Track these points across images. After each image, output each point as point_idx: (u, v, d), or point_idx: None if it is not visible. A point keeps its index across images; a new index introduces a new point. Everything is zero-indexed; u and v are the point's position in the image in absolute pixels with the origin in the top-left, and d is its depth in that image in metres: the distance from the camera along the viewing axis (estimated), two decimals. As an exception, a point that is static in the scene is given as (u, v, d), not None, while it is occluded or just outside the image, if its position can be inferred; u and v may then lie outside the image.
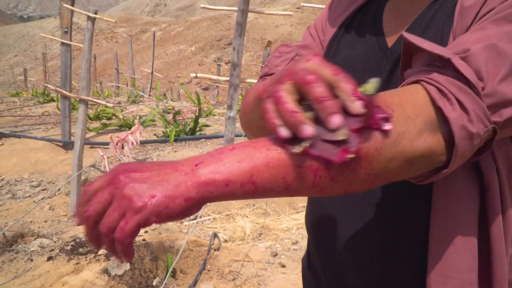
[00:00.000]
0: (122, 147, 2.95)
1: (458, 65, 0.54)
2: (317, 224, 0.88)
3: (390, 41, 0.78)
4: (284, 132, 0.46)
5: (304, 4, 5.67)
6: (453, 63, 0.54)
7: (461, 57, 0.55)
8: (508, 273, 0.68)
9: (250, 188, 0.47)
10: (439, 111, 0.53)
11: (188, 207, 0.46)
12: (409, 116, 0.51)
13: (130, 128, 4.44)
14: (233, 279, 2.96)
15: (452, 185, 0.65)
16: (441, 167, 0.56)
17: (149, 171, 0.47)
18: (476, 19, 0.63)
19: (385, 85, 0.76)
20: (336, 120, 0.44)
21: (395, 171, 0.52)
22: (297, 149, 0.46)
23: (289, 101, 0.45)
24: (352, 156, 0.45)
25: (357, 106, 0.45)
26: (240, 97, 9.47)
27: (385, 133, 0.48)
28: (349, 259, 0.80)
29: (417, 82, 0.56)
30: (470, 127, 0.52)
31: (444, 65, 0.55)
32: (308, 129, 0.44)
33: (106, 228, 0.46)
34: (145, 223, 0.45)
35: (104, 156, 2.83)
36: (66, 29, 5.50)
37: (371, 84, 0.48)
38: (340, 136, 0.45)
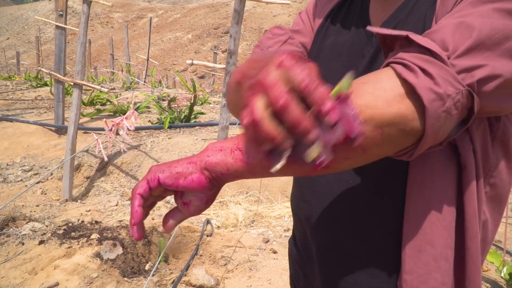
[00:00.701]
0: (117, 132, 2.94)
1: (418, 40, 0.57)
2: (298, 203, 0.91)
3: (376, 26, 0.80)
4: (266, 147, 0.50)
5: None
6: (412, 39, 0.57)
7: (427, 33, 0.59)
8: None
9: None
10: (404, 82, 0.55)
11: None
12: (378, 92, 0.54)
13: (124, 114, 4.43)
14: (225, 264, 2.98)
15: (428, 162, 0.67)
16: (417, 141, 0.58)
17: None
18: (455, 4, 0.65)
19: (368, 68, 0.78)
20: (311, 136, 0.47)
21: (370, 142, 0.54)
22: (280, 165, 0.50)
23: (267, 122, 0.47)
24: (325, 162, 0.48)
25: (330, 120, 0.46)
26: (235, 85, 9.47)
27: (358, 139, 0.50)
28: (325, 235, 0.82)
29: (387, 65, 0.59)
30: (436, 88, 0.54)
31: (409, 45, 0.58)
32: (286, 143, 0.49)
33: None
34: None
35: (99, 140, 2.82)
36: (61, 12, 5.43)
37: (346, 81, 0.48)
38: (314, 153, 0.47)
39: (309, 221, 0.85)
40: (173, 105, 7.06)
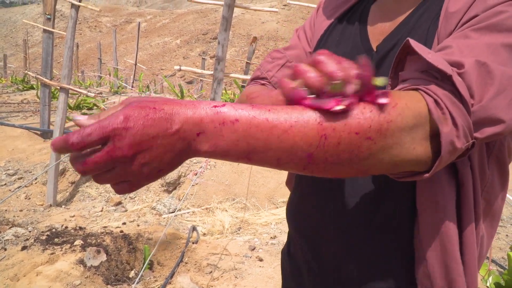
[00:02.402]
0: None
1: (457, 83, 0.57)
2: (299, 212, 0.90)
3: (375, 40, 0.80)
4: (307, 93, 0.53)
5: (290, 2, 5.68)
6: (453, 81, 0.57)
7: (457, 73, 0.58)
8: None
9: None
10: (433, 123, 0.56)
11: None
12: (407, 125, 0.55)
13: (111, 119, 4.37)
14: (210, 272, 2.96)
15: (436, 180, 0.68)
16: (422, 171, 0.60)
17: (163, 141, 0.50)
18: (459, 25, 0.66)
19: None
20: (338, 74, 0.52)
21: (380, 163, 0.56)
22: (341, 106, 0.53)
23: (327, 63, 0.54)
24: (342, 107, 0.52)
25: (352, 72, 0.52)
26: (224, 91, 9.42)
27: (384, 114, 0.54)
28: (338, 247, 0.81)
29: (415, 89, 0.60)
30: (456, 142, 0.56)
31: (442, 78, 0.58)
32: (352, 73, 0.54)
33: None
34: None
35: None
36: (49, 16, 5.39)
37: (381, 80, 0.54)
38: (336, 86, 0.52)
39: (318, 233, 0.84)
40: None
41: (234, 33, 30.49)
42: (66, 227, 3.44)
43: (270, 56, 0.95)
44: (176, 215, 4.00)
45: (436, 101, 0.57)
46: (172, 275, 2.91)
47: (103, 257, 2.97)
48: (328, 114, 0.53)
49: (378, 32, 0.81)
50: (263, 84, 0.93)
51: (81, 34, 37.79)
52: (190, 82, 22.31)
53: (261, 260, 3.15)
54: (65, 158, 4.54)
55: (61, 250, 3.03)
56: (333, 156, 0.53)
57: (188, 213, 4.14)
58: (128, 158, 0.48)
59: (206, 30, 33.18)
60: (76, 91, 3.89)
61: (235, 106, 0.52)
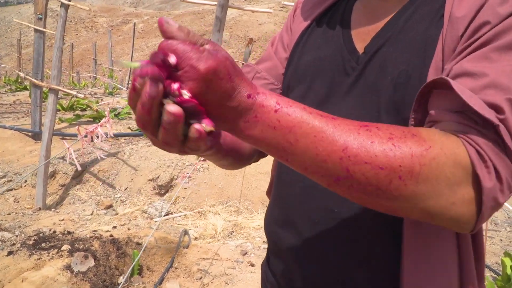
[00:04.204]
0: (92, 140, 2.85)
1: (503, 133, 0.53)
2: (278, 229, 0.84)
3: (359, 41, 0.75)
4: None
5: (286, 3, 5.63)
6: (499, 130, 0.53)
7: (497, 118, 0.53)
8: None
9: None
10: (476, 177, 0.52)
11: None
12: (444, 174, 0.51)
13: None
14: (200, 278, 2.90)
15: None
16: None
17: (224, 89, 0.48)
18: (468, 31, 0.61)
19: (352, 86, 0.73)
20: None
21: (412, 210, 0.53)
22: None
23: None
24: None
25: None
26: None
27: (416, 155, 0.51)
28: (318, 265, 0.76)
29: (455, 134, 0.55)
30: (500, 197, 0.53)
31: (484, 125, 0.53)
32: None
33: None
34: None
35: (71, 149, 2.73)
36: (40, 16, 5.31)
37: (136, 64, 0.47)
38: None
39: (296, 248, 0.79)
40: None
41: (232, 34, 30.47)
42: (54, 231, 3.37)
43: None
44: (167, 219, 3.94)
45: (478, 152, 0.52)
46: (161, 281, 2.85)
47: (91, 262, 2.90)
48: (357, 140, 0.51)
49: (362, 32, 0.76)
50: None
51: (77, 34, 37.67)
52: (186, 83, 22.22)
53: (252, 265, 3.10)
54: (55, 160, 4.47)
55: (48, 255, 2.96)
56: (359, 184, 0.51)
57: (180, 216, 4.07)
58: (200, 76, 0.46)
59: (203, 31, 33.13)
60: (65, 92, 3.82)
61: (287, 102, 0.52)
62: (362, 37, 0.75)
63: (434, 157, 0.50)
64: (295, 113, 0.51)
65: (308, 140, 0.51)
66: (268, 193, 0.99)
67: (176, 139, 0.48)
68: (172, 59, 0.46)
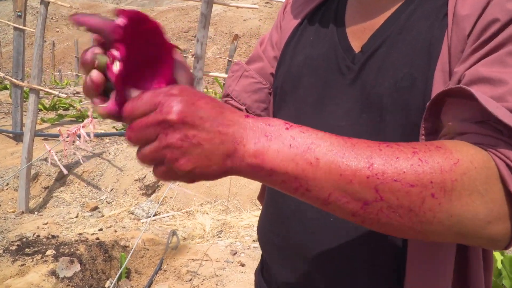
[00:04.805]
0: (74, 142, 2.77)
1: None
2: (274, 237, 0.79)
3: (355, 39, 0.71)
4: None
5: (271, -2, 5.57)
6: None
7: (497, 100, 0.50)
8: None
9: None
10: (508, 194, 0.48)
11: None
12: (477, 190, 0.47)
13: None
14: (190, 280, 2.85)
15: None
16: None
17: (210, 126, 0.45)
18: (475, 29, 0.58)
19: (349, 87, 0.69)
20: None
21: (447, 232, 0.48)
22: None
23: None
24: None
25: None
26: (205, 90, 9.28)
27: (446, 170, 0.46)
28: (321, 275, 0.72)
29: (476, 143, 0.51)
30: None
31: (510, 135, 0.49)
32: None
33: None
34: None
35: (52, 151, 2.64)
36: (19, 13, 5.17)
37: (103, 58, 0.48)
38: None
39: (293, 259, 0.75)
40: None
41: (216, 30, 30.30)
42: (38, 236, 3.28)
43: (231, 70, 0.92)
44: (155, 220, 3.87)
45: (509, 166, 0.48)
46: (150, 284, 2.79)
47: (76, 267, 2.82)
48: (380, 156, 0.46)
49: (359, 29, 0.71)
50: (226, 101, 0.89)
51: (58, 32, 37.08)
52: (171, 80, 22.08)
53: (243, 265, 3.05)
54: (37, 162, 4.35)
55: (32, 261, 2.87)
56: (389, 207, 0.46)
57: (167, 217, 4.01)
58: (172, 124, 0.43)
59: (188, 27, 32.87)
60: (46, 91, 3.71)
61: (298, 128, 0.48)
62: (357, 34, 0.71)
63: (464, 172, 0.46)
64: (308, 130, 0.47)
65: (330, 158, 0.45)
66: (260, 198, 0.95)
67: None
68: (120, 21, 0.46)
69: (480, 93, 0.50)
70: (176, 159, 0.44)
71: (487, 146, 0.49)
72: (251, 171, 0.47)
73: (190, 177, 0.46)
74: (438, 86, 0.59)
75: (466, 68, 0.56)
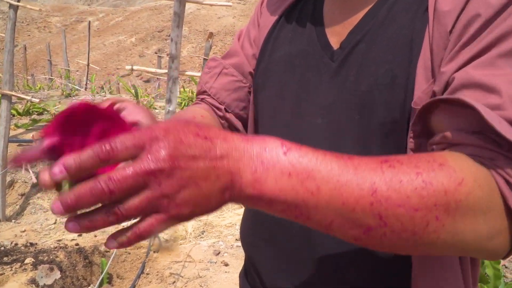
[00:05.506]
0: (49, 146, 2.71)
1: None
2: (258, 241, 0.79)
3: (334, 35, 0.70)
4: None
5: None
6: None
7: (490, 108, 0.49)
8: None
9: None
10: (508, 209, 0.48)
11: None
12: (481, 210, 0.47)
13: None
14: (174, 282, 2.83)
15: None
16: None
17: (203, 164, 0.41)
18: (457, 25, 0.57)
19: (328, 83, 0.68)
20: None
21: (448, 250, 0.48)
22: None
23: None
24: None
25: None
26: (182, 89, 9.21)
27: (450, 191, 0.45)
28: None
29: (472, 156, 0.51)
30: None
31: (509, 147, 0.48)
32: None
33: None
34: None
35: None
36: (-13, 17, 5.04)
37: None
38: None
39: (277, 262, 0.73)
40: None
41: (191, 29, 30.09)
42: (16, 244, 3.22)
43: (207, 66, 0.88)
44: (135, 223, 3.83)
45: (508, 182, 0.47)
46: (132, 288, 2.76)
47: (57, 274, 2.78)
48: (383, 180, 0.44)
49: (337, 25, 0.70)
50: (202, 99, 0.87)
51: (29, 35, 36.24)
52: (147, 81, 21.85)
53: (226, 265, 3.05)
54: (12, 168, 4.26)
55: (11, 270, 2.82)
56: (393, 232, 0.45)
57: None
58: (165, 173, 0.39)
59: (162, 27, 32.54)
60: (19, 97, 3.63)
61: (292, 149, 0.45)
62: (336, 31, 0.70)
63: (469, 192, 0.45)
64: (308, 154, 0.44)
65: (331, 185, 0.43)
66: None
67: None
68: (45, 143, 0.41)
69: (481, 105, 0.49)
70: (175, 206, 0.40)
71: (486, 159, 0.49)
72: (250, 201, 0.45)
73: (189, 218, 0.42)
74: (420, 83, 0.58)
75: (455, 69, 0.55)
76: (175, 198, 0.40)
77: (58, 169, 0.38)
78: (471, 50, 0.54)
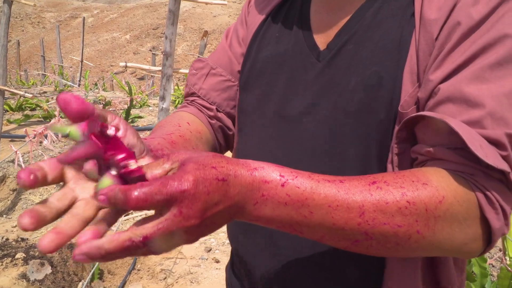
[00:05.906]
0: (41, 142, 2.71)
1: None
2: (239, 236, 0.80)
3: (321, 36, 0.72)
4: None
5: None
6: (510, 178, 0.53)
7: (500, 155, 0.53)
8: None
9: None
10: (485, 219, 0.54)
11: None
12: (458, 220, 0.52)
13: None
14: (165, 278, 2.85)
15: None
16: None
17: (223, 207, 0.45)
18: (442, 33, 0.59)
19: (314, 83, 0.69)
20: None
21: (428, 253, 0.57)
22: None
23: None
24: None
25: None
26: (176, 87, 9.20)
27: (431, 209, 0.51)
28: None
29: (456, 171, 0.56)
30: (505, 230, 0.55)
31: (487, 164, 0.52)
32: None
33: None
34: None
35: (18, 152, 2.58)
36: (-20, 12, 5.02)
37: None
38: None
39: (261, 253, 0.75)
40: (109, 109, 6.75)
41: (186, 27, 30.02)
42: (7, 239, 3.21)
43: (193, 67, 0.89)
44: (127, 219, 3.84)
45: (486, 196, 0.53)
46: (123, 284, 2.77)
47: (47, 269, 2.78)
48: (371, 203, 0.50)
49: (323, 25, 0.72)
50: (192, 101, 0.87)
51: (23, 31, 35.99)
52: (141, 78, 21.77)
53: (217, 261, 3.07)
54: (4, 164, 4.24)
55: (1, 265, 2.82)
56: (378, 243, 0.51)
57: (140, 216, 3.98)
58: (195, 225, 0.43)
59: (157, 24, 32.44)
60: (12, 92, 3.63)
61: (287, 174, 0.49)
62: (323, 31, 0.71)
63: (448, 208, 0.51)
64: (304, 184, 0.49)
65: (323, 211, 0.49)
66: None
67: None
68: (111, 131, 0.43)
69: (464, 126, 0.53)
70: (193, 239, 0.45)
71: (466, 174, 0.54)
72: (249, 220, 0.50)
73: (204, 234, 0.47)
74: (407, 86, 0.60)
75: (441, 78, 0.57)
76: (196, 238, 0.45)
77: (102, 197, 0.41)
78: (456, 60, 0.57)
